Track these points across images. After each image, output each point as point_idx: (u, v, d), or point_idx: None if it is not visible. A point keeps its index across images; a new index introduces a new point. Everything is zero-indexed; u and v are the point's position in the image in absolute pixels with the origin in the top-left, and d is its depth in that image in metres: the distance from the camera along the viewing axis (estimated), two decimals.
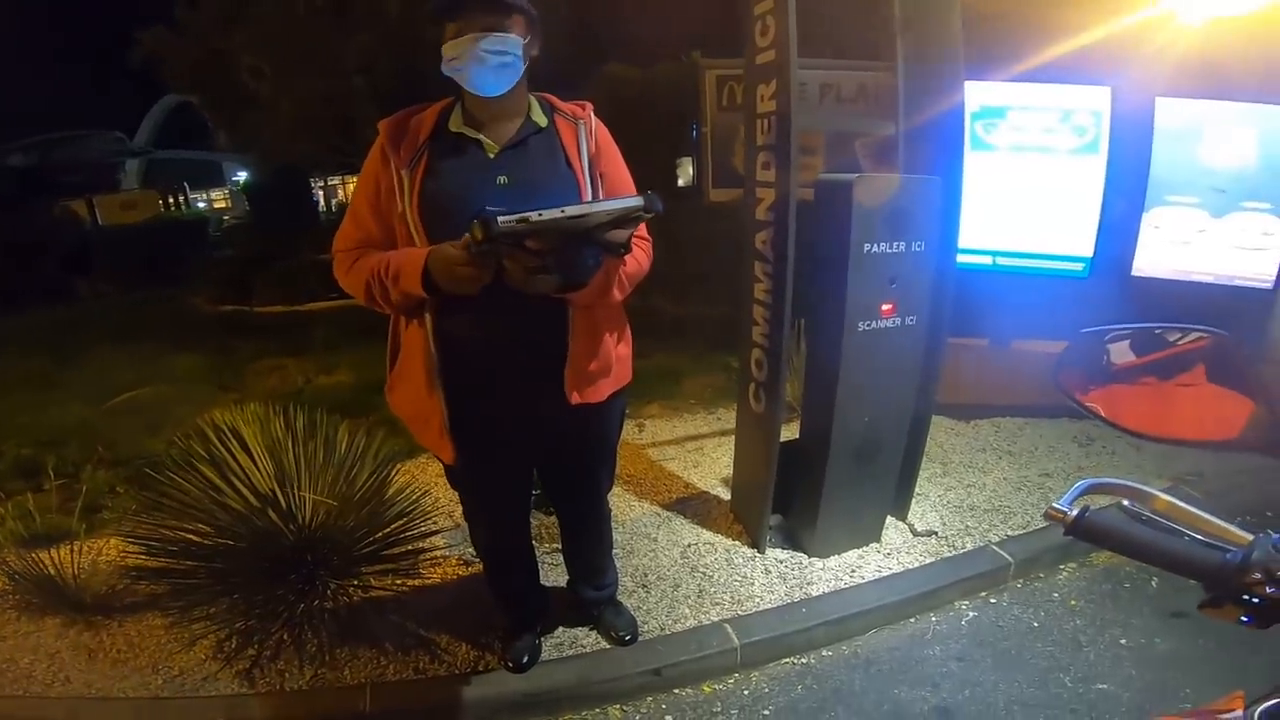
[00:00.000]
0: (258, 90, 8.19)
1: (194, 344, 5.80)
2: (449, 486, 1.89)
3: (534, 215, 1.18)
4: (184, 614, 2.03)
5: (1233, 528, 0.70)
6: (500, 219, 1.16)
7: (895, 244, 2.14)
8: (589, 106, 1.59)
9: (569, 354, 1.53)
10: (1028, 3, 3.47)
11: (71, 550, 2.29)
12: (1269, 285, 3.27)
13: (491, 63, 1.38)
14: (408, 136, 1.47)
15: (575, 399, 1.56)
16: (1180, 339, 0.72)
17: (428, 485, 2.65)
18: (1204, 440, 0.70)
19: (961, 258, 3.39)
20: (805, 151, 4.47)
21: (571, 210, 1.21)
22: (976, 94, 3.28)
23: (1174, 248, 3.35)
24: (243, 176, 18.02)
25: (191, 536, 2.02)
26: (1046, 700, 1.93)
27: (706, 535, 2.65)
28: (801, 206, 2.16)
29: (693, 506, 2.86)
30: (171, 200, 20.07)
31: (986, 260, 3.54)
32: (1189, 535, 0.70)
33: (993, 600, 2.38)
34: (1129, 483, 0.77)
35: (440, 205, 1.42)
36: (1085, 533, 0.70)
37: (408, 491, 2.29)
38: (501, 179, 1.45)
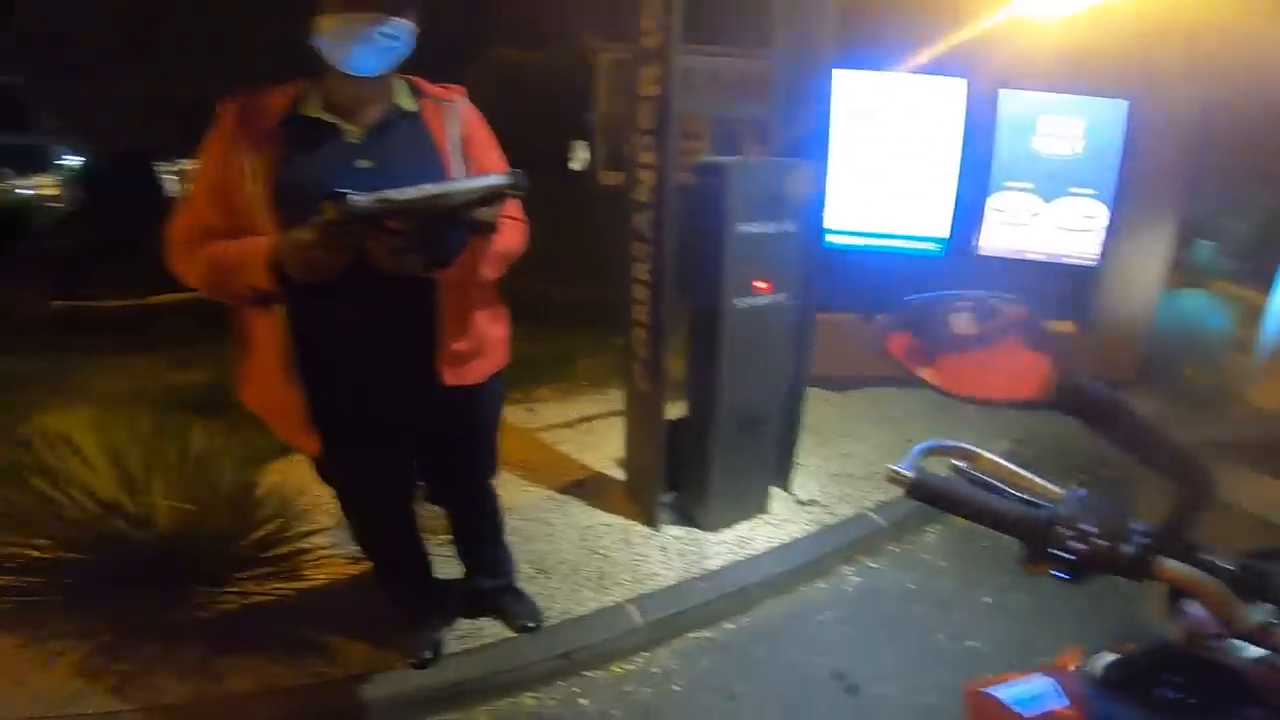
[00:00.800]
0: (95, 69, 7.27)
1: (16, 344, 5.11)
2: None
3: (392, 194, 1.17)
4: (34, 632, 1.83)
5: (1050, 485, 0.72)
6: (353, 198, 1.14)
7: (769, 224, 2.24)
8: (460, 90, 1.55)
9: (440, 335, 1.49)
10: None
11: None
12: (1093, 263, 3.71)
13: (381, 44, 1.32)
14: (255, 119, 1.36)
15: (450, 380, 1.52)
16: (1000, 307, 0.78)
17: (304, 482, 2.49)
18: (1016, 400, 0.75)
19: (831, 238, 3.61)
20: (691, 136, 4.55)
21: (430, 189, 1.21)
22: (845, 83, 3.47)
23: (1012, 229, 3.72)
24: (75, 161, 15.99)
25: (30, 552, 1.83)
26: (926, 660, 2.09)
27: (603, 516, 2.66)
28: (685, 189, 2.21)
29: (588, 488, 2.87)
30: None
31: (853, 240, 3.77)
32: (1013, 494, 0.72)
33: (872, 565, 2.55)
34: (961, 444, 0.79)
35: (295, 191, 1.32)
36: (922, 494, 0.72)
37: (281, 490, 2.16)
38: (364, 163, 1.38)
